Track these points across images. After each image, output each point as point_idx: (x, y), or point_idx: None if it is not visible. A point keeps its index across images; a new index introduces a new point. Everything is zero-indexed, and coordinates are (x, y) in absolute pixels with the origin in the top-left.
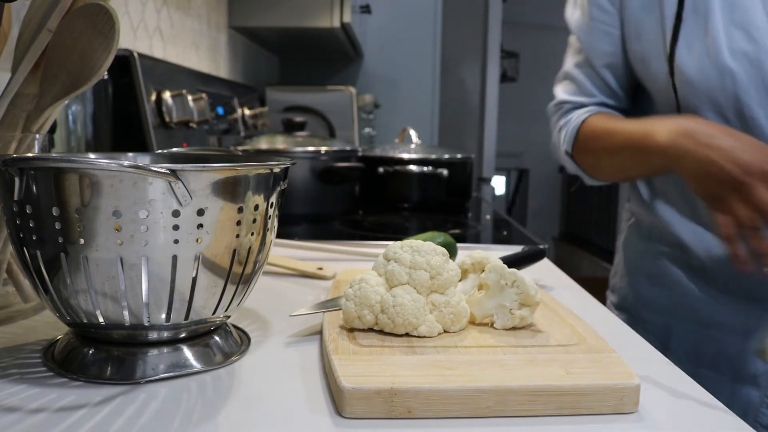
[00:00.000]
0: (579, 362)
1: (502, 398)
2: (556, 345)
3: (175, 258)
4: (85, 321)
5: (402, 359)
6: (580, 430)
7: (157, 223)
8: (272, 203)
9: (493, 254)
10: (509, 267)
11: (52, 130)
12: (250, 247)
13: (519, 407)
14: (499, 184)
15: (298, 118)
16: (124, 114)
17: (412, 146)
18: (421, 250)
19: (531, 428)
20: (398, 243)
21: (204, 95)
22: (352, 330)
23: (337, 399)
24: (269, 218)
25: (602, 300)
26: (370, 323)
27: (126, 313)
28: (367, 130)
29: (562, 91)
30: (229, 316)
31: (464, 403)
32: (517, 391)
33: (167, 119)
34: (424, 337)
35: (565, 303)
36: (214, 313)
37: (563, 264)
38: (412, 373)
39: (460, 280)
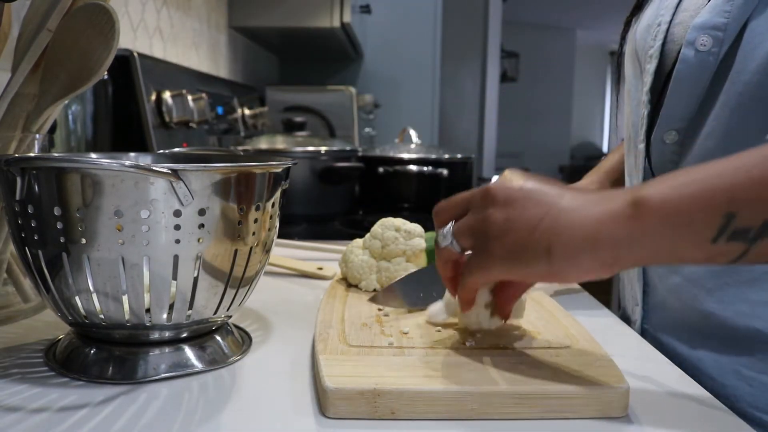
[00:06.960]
0: (568, 365)
1: (487, 401)
2: (546, 347)
3: (176, 258)
4: (86, 321)
5: (389, 360)
6: None
7: (158, 222)
8: (273, 203)
9: None
10: None
11: (52, 130)
12: (251, 247)
13: (504, 410)
14: None
15: (298, 118)
16: (124, 114)
17: (412, 146)
18: (386, 226)
19: None
20: (387, 219)
21: (204, 95)
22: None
23: (321, 399)
24: (271, 218)
25: (603, 300)
26: (345, 274)
27: (127, 312)
28: (367, 130)
29: None
30: (230, 316)
31: (448, 405)
32: (502, 393)
33: (167, 119)
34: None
35: (564, 303)
36: (215, 313)
37: None
38: (397, 374)
39: None
